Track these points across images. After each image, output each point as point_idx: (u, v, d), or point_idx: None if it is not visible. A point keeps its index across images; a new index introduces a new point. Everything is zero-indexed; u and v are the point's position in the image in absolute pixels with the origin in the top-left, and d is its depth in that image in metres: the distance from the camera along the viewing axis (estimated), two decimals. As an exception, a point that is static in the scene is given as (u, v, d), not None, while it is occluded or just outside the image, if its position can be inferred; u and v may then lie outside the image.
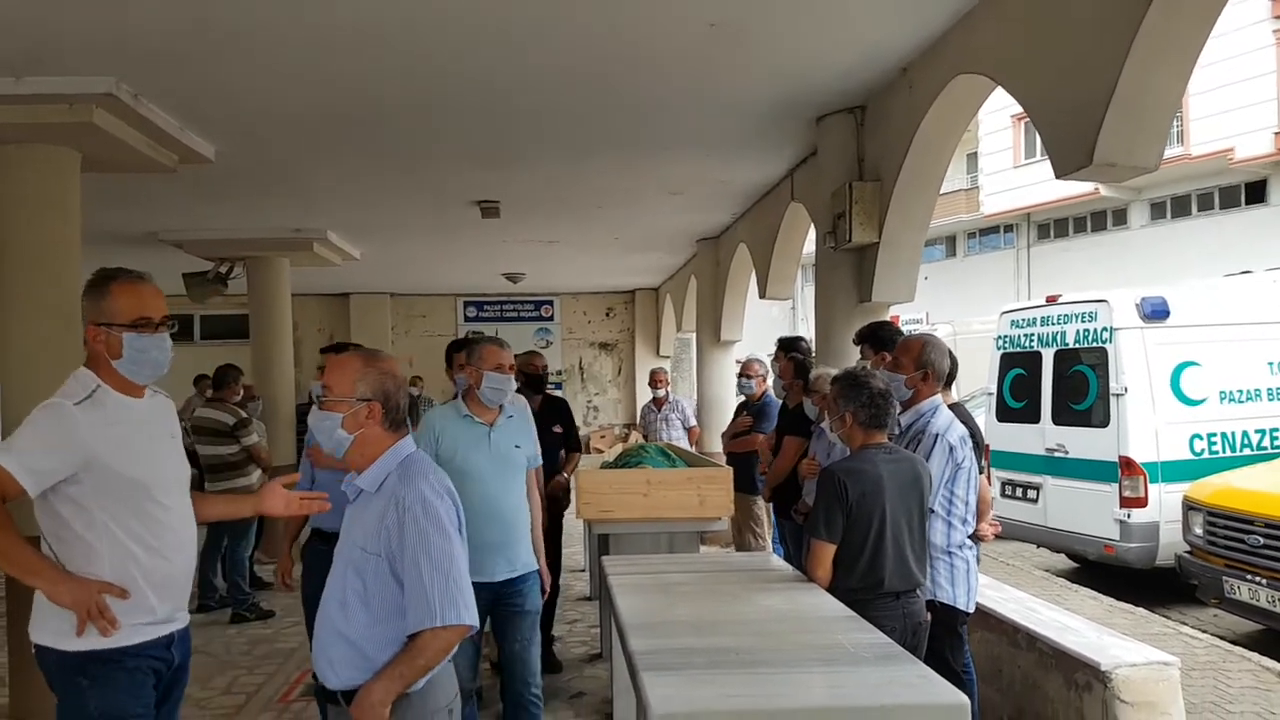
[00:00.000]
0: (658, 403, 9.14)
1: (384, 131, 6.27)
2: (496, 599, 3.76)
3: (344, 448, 2.41)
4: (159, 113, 5.58)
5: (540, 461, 4.18)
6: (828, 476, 3.39)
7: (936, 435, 3.66)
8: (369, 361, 2.46)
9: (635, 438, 14.02)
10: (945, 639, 3.63)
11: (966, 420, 3.91)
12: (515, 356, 4.65)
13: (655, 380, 9.36)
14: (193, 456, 7.44)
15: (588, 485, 5.13)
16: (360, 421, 2.39)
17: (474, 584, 2.53)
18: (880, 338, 4.54)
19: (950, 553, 3.69)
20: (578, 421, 8.30)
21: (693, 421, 10.10)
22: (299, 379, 12.69)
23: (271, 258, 10.25)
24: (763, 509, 6.99)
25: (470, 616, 2.23)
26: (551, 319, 18.19)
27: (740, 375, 7.22)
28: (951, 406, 3.95)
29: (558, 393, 8.89)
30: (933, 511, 3.64)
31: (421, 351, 17.43)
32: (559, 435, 5.83)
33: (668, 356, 17.75)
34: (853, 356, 5.30)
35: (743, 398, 7.41)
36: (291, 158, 6.93)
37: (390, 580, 2.26)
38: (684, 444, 8.50)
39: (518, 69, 5.13)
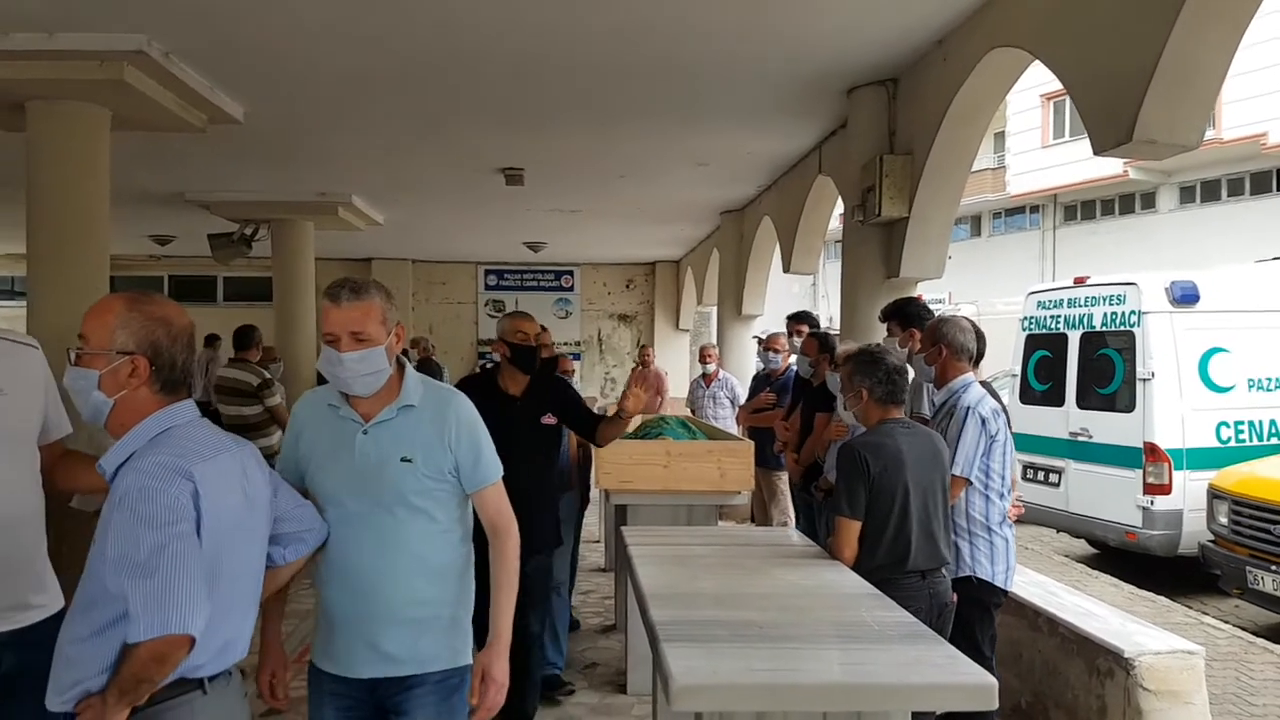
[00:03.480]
0: (707, 379, 9.05)
1: (411, 94, 6.23)
2: (365, 709, 2.41)
3: (103, 414, 1.96)
4: (189, 72, 5.56)
5: (488, 479, 2.48)
6: (847, 452, 3.36)
7: (968, 409, 3.63)
8: (133, 304, 1.96)
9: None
10: (977, 616, 3.59)
11: (995, 397, 3.87)
12: (503, 319, 4.31)
13: (705, 355, 9.27)
14: (215, 416, 7.52)
15: (607, 455, 5.11)
16: (121, 381, 1.93)
17: (327, 675, 2.38)
18: (908, 314, 4.48)
19: (990, 529, 3.65)
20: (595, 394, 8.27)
21: (742, 399, 10.05)
22: (320, 342, 12.74)
23: (296, 221, 10.27)
24: (787, 484, 6.95)
25: (188, 624, 1.77)
26: (571, 289, 18.16)
27: (766, 349, 7.16)
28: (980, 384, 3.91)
29: (574, 363, 8.82)
30: (969, 484, 3.61)
31: (440, 319, 17.47)
32: (551, 430, 4.33)
33: (687, 330, 17.70)
34: (878, 332, 5.25)
35: (760, 370, 7.36)
36: (319, 120, 6.90)
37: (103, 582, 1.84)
38: (731, 423, 8.36)
39: (546, 31, 5.07)
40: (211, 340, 12.93)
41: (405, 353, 9.31)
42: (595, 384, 17.59)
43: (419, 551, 2.38)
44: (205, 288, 17.39)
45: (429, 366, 10.92)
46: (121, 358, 1.92)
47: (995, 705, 2.24)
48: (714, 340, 12.51)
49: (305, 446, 2.45)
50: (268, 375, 7.45)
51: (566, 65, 5.66)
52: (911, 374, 3.99)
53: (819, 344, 5.61)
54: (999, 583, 3.67)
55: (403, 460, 2.36)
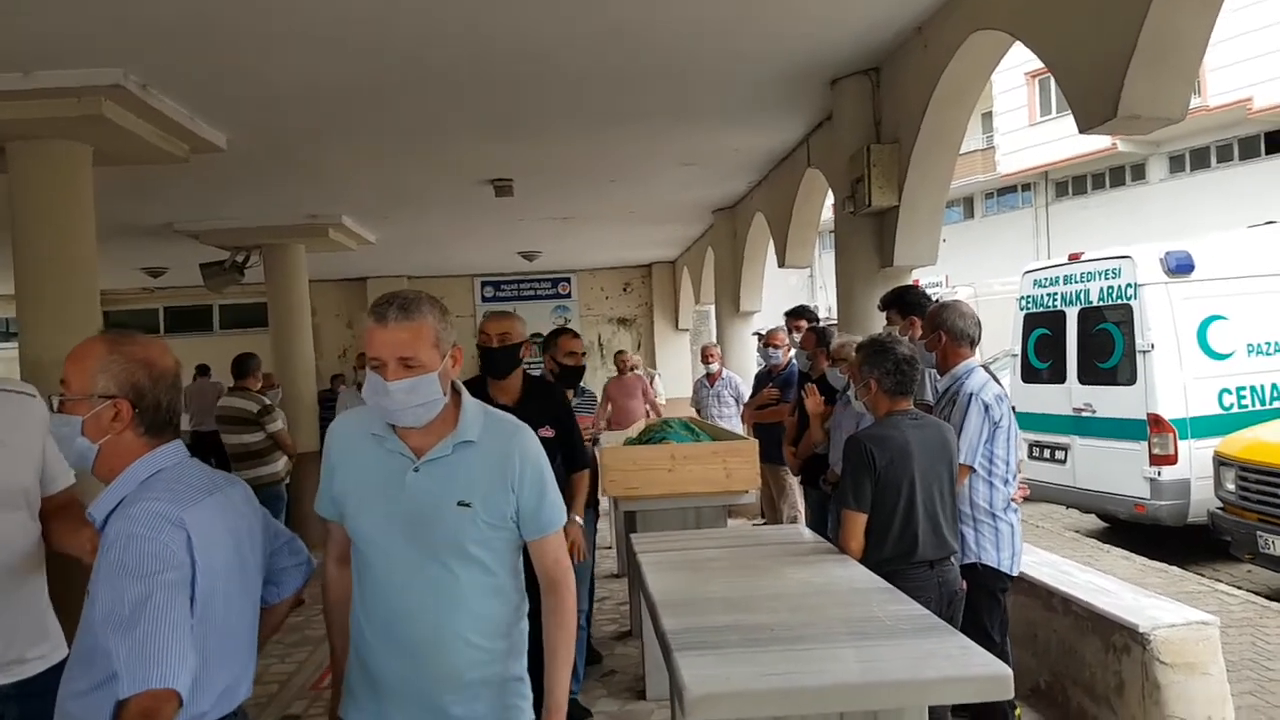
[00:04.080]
0: (711, 378, 9.05)
1: (393, 110, 6.23)
2: None
3: (89, 460, 1.91)
4: (168, 102, 5.56)
5: (551, 526, 2.22)
6: (854, 445, 3.35)
7: (971, 395, 3.63)
8: (114, 347, 1.90)
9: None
10: (985, 603, 3.58)
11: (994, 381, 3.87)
12: (490, 321, 4.04)
13: (707, 355, 9.29)
14: (219, 446, 7.52)
15: (612, 462, 5.10)
16: (105, 425, 1.87)
17: None
18: (907, 302, 4.48)
19: (994, 515, 3.65)
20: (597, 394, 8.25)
21: (746, 397, 10.07)
22: (319, 366, 12.74)
23: (288, 245, 10.26)
24: (788, 479, 6.95)
25: (169, 678, 1.69)
26: (569, 296, 18.15)
27: (766, 345, 7.16)
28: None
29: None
30: (973, 471, 3.61)
31: (439, 333, 17.44)
32: (549, 443, 4.09)
33: (687, 330, 17.68)
34: (876, 322, 5.24)
35: (762, 367, 7.37)
36: (303, 142, 6.90)
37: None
38: (736, 421, 8.36)
39: (529, 40, 5.06)
40: (203, 370, 12.92)
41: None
42: (597, 387, 17.54)
43: (477, 608, 2.13)
44: (201, 317, 17.38)
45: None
46: (103, 402, 1.86)
47: (1010, 695, 2.23)
48: (714, 339, 12.53)
49: (343, 482, 2.16)
50: (268, 402, 7.46)
51: (550, 73, 5.66)
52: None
53: (816, 338, 5.61)
54: (1004, 569, 3.66)
55: (460, 504, 2.08)
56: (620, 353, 11.00)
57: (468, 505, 2.09)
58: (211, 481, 1.98)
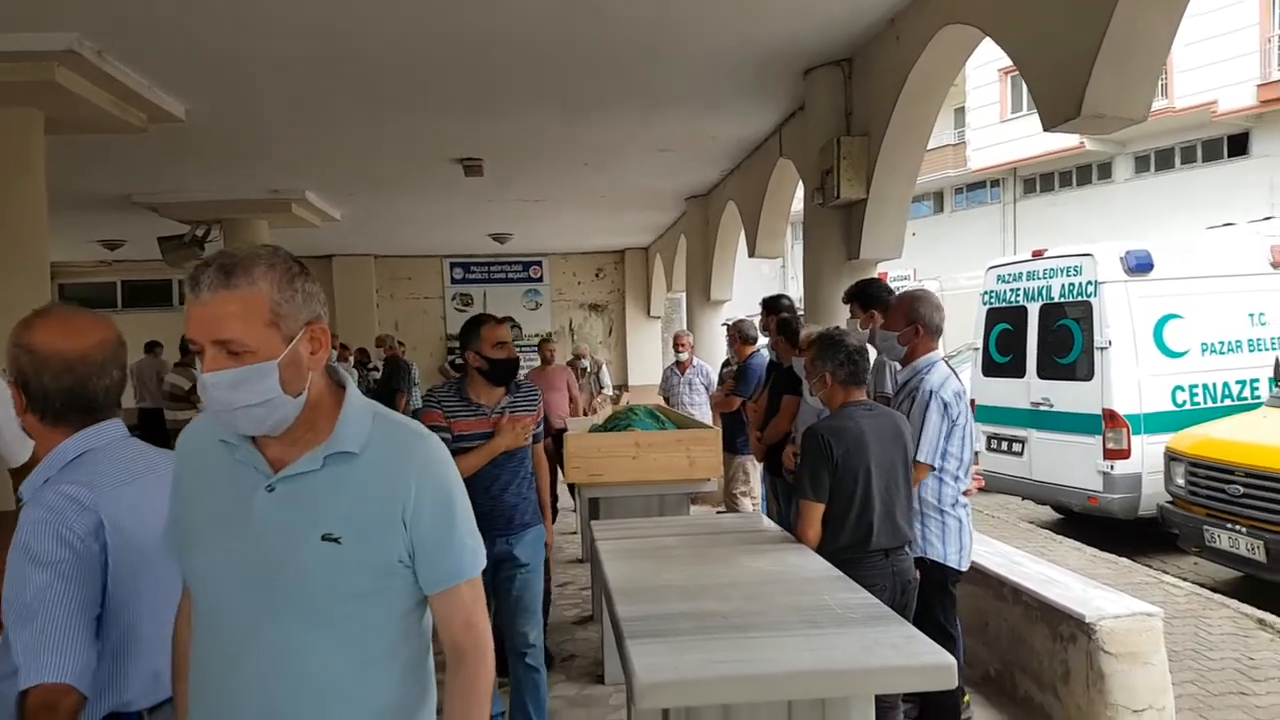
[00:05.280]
0: (681, 366, 9.09)
1: (360, 84, 6.14)
2: None
3: (8, 443, 1.87)
4: (125, 70, 5.45)
5: (459, 575, 1.64)
6: (811, 436, 3.38)
7: (931, 392, 3.65)
8: (18, 328, 1.80)
9: (626, 400, 14.08)
10: (936, 597, 3.63)
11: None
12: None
13: (678, 343, 9.31)
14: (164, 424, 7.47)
15: (576, 449, 5.10)
16: (19, 409, 1.82)
17: None
18: (868, 295, 4.50)
19: (942, 510, 3.70)
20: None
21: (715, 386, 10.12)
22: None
23: (249, 220, 10.11)
24: (750, 468, 7.01)
25: (61, 671, 1.57)
26: (540, 280, 18.08)
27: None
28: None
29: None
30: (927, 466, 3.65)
31: (406, 315, 17.32)
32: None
33: (658, 317, 17.71)
34: (842, 314, 5.28)
35: (729, 356, 7.44)
36: (266, 115, 6.79)
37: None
38: (706, 409, 8.40)
39: (499, 17, 5.02)
40: (151, 347, 12.73)
41: (363, 363, 9.16)
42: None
43: (346, 697, 1.55)
44: (160, 292, 17.11)
45: (396, 365, 10.81)
46: (12, 386, 1.80)
47: (955, 684, 2.26)
48: (685, 326, 12.55)
49: (182, 505, 1.65)
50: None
51: (524, 53, 5.61)
52: (873, 354, 4.01)
53: (778, 326, 5.67)
54: (950, 563, 3.71)
55: (325, 539, 1.52)
56: (544, 340, 10.48)
57: (336, 540, 1.52)
58: (148, 461, 1.89)
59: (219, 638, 1.56)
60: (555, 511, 5.94)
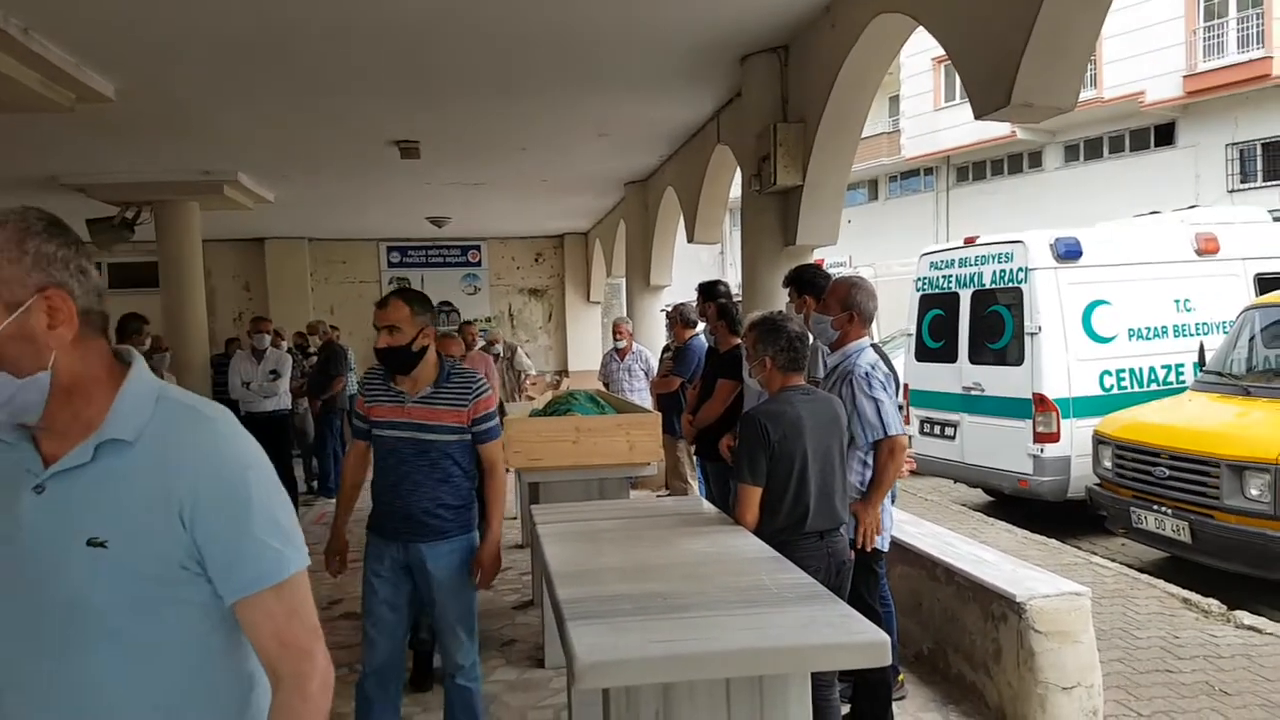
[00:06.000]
0: (620, 353, 9.10)
1: (293, 64, 6.01)
2: None
3: None
4: (52, 49, 5.27)
5: (262, 581, 1.38)
6: (749, 420, 3.42)
7: (865, 374, 3.72)
8: None
9: (566, 385, 14.04)
10: (861, 576, 3.70)
11: (885, 362, 3.96)
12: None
13: (617, 331, 9.33)
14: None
15: (517, 434, 5.09)
16: None
17: None
18: (804, 281, 4.55)
19: (864, 492, 3.76)
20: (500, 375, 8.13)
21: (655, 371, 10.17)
22: (213, 329, 12.32)
23: (180, 202, 9.86)
24: (684, 452, 7.07)
25: None
26: (479, 264, 17.91)
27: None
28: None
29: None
30: (863, 449, 3.71)
31: (341, 300, 17.04)
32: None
33: (598, 302, 17.68)
34: (779, 299, 5.33)
35: (668, 341, 7.49)
36: (197, 95, 6.62)
37: None
38: (646, 395, 8.44)
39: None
40: None
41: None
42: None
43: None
44: (89, 275, 16.58)
45: (333, 350, 10.65)
46: None
47: (888, 661, 2.32)
48: (625, 312, 12.57)
49: None
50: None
51: (458, 32, 5.54)
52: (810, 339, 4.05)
53: (718, 311, 5.72)
54: (875, 544, 3.78)
55: (90, 544, 1.31)
56: (466, 324, 10.24)
57: (102, 545, 1.30)
58: None
59: None
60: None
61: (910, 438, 4.14)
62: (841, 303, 3.89)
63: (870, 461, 3.76)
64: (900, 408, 4.04)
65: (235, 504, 1.36)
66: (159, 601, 1.33)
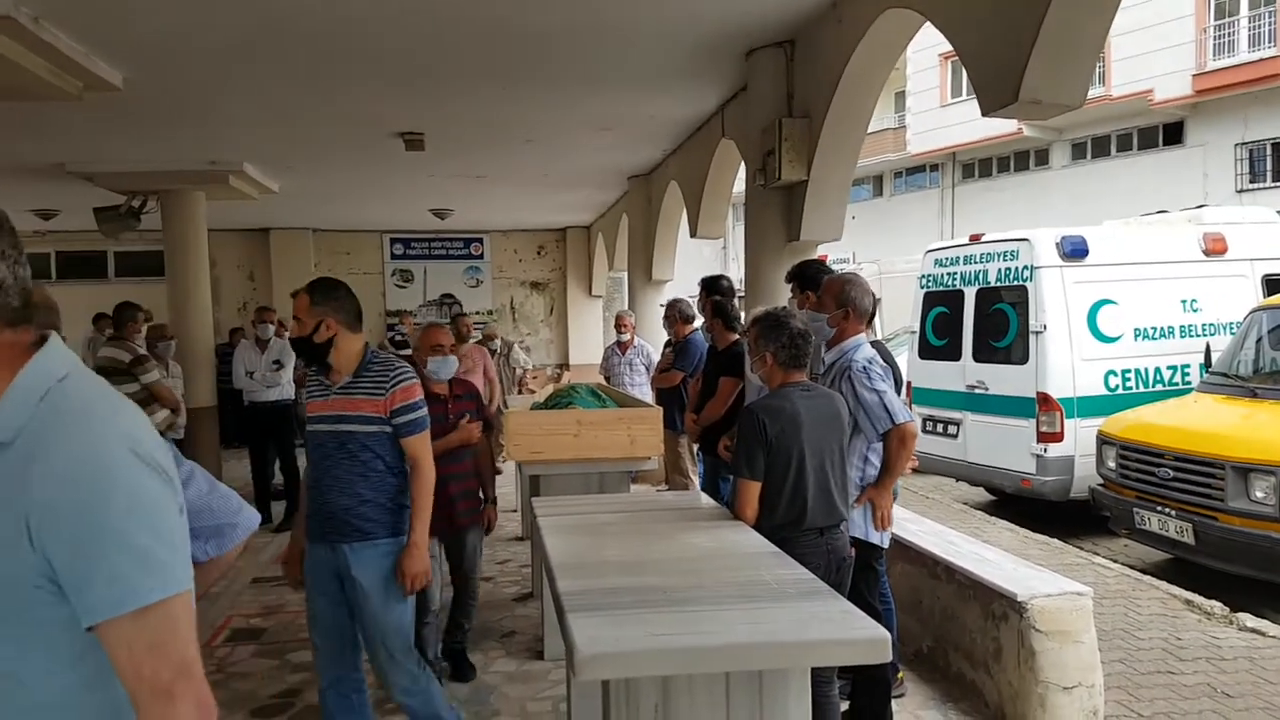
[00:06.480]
0: (622, 346, 9.10)
1: (300, 56, 6.01)
2: None
3: None
4: (62, 37, 5.28)
5: (120, 605, 1.18)
6: (747, 415, 3.41)
7: (864, 367, 3.72)
8: None
9: (567, 378, 14.03)
10: (861, 574, 3.70)
11: (886, 358, 3.95)
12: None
13: (620, 324, 9.33)
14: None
15: (517, 427, 5.09)
16: None
17: None
18: (806, 276, 4.55)
19: (864, 489, 3.76)
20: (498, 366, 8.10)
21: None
22: (218, 318, 12.32)
23: (186, 191, 9.87)
24: (685, 446, 7.06)
25: None
26: (481, 257, 17.90)
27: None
28: (872, 344, 3.99)
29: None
30: (871, 441, 3.71)
31: (346, 290, 17.02)
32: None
33: (600, 296, 17.66)
34: (782, 295, 5.31)
35: (669, 336, 7.48)
36: (204, 85, 6.61)
37: None
38: (647, 389, 8.44)
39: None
40: (98, 319, 12.38)
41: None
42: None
43: None
44: (95, 264, 16.60)
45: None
46: None
47: (888, 658, 2.31)
48: (627, 306, 12.56)
49: None
50: (141, 352, 7.15)
51: (465, 26, 5.52)
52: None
53: (714, 308, 5.72)
54: (873, 540, 3.79)
55: None
56: (459, 316, 10.12)
57: None
58: None
59: None
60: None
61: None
62: (837, 299, 3.89)
63: (871, 457, 3.75)
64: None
65: (89, 520, 1.18)
66: (12, 623, 1.19)
